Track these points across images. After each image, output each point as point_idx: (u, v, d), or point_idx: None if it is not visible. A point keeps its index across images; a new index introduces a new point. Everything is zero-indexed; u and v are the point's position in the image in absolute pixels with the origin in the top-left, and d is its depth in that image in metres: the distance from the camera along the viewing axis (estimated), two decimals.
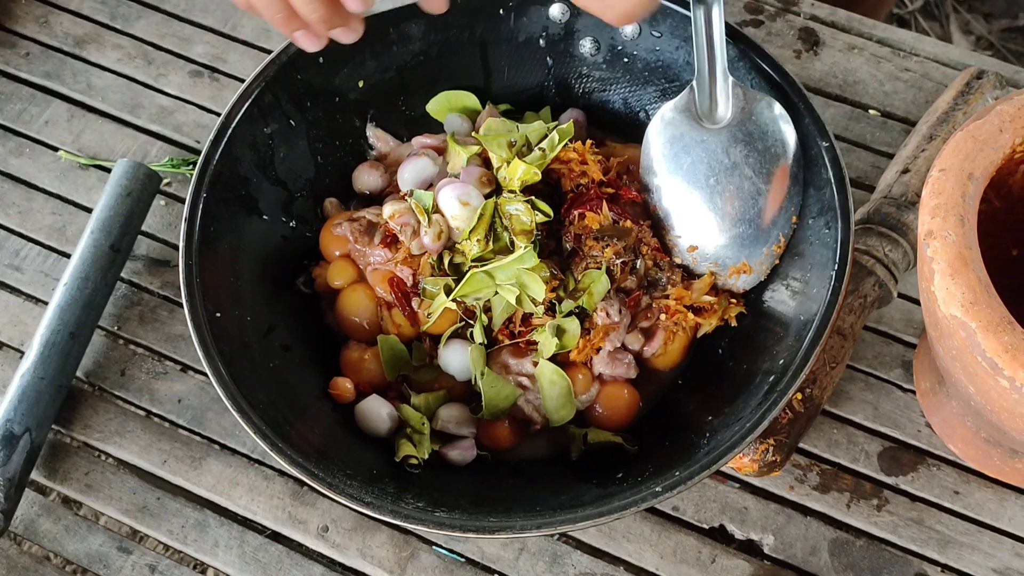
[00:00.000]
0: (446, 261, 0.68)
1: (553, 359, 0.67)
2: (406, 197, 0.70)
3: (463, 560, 0.70)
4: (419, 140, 0.75)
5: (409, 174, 0.71)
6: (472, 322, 0.68)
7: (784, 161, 0.68)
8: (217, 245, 0.67)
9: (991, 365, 0.54)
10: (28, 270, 0.82)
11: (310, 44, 0.59)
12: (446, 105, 0.78)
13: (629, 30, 0.74)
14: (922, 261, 0.58)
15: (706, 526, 0.71)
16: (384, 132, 0.77)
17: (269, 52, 0.76)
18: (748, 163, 0.68)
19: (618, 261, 0.67)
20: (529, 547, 0.70)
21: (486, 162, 0.71)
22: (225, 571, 0.71)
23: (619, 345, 0.68)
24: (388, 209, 0.69)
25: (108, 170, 0.85)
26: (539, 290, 0.66)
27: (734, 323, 0.70)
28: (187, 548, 0.71)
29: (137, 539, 0.73)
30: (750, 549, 0.70)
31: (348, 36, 0.59)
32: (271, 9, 0.56)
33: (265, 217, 0.72)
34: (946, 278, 0.55)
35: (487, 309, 0.68)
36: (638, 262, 0.68)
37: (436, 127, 0.78)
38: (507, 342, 0.68)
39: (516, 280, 0.66)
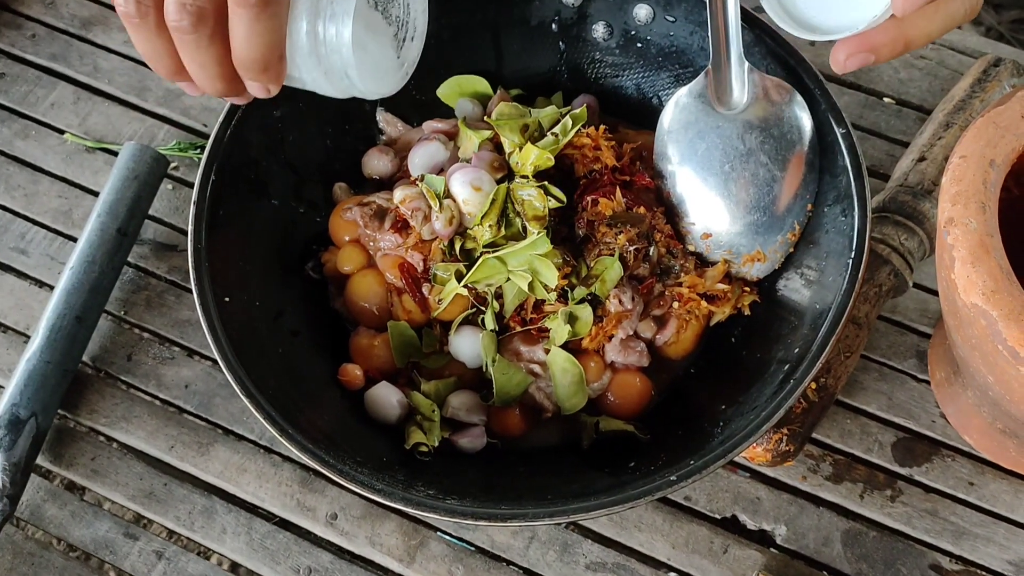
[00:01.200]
0: (457, 247, 0.67)
1: (565, 346, 0.67)
2: (417, 182, 0.69)
3: (472, 549, 0.70)
4: (430, 124, 0.74)
5: (420, 159, 0.71)
6: (483, 308, 0.67)
7: (800, 148, 0.67)
8: (226, 229, 0.66)
9: (1012, 354, 0.53)
10: (34, 253, 0.81)
11: (192, 91, 0.53)
12: (457, 89, 0.77)
13: (643, 14, 0.73)
14: (942, 248, 0.57)
15: (718, 516, 0.70)
16: (394, 116, 0.77)
17: None
18: (763, 150, 0.67)
19: (631, 248, 0.67)
20: (539, 536, 0.70)
21: (498, 147, 0.71)
22: (232, 558, 0.70)
23: (632, 333, 0.68)
24: (399, 194, 0.69)
25: (115, 153, 0.84)
26: (552, 277, 0.65)
27: (748, 312, 0.69)
28: (194, 535, 0.71)
29: (143, 525, 0.72)
30: (762, 539, 0.69)
31: (241, 101, 0.53)
32: (161, 68, 0.50)
33: (274, 201, 0.71)
34: (967, 266, 0.54)
35: (499, 295, 0.67)
36: (651, 249, 0.68)
37: (447, 112, 0.77)
38: (519, 329, 0.67)
39: (528, 266, 0.66)
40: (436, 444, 0.65)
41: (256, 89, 0.50)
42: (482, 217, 0.66)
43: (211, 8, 0.46)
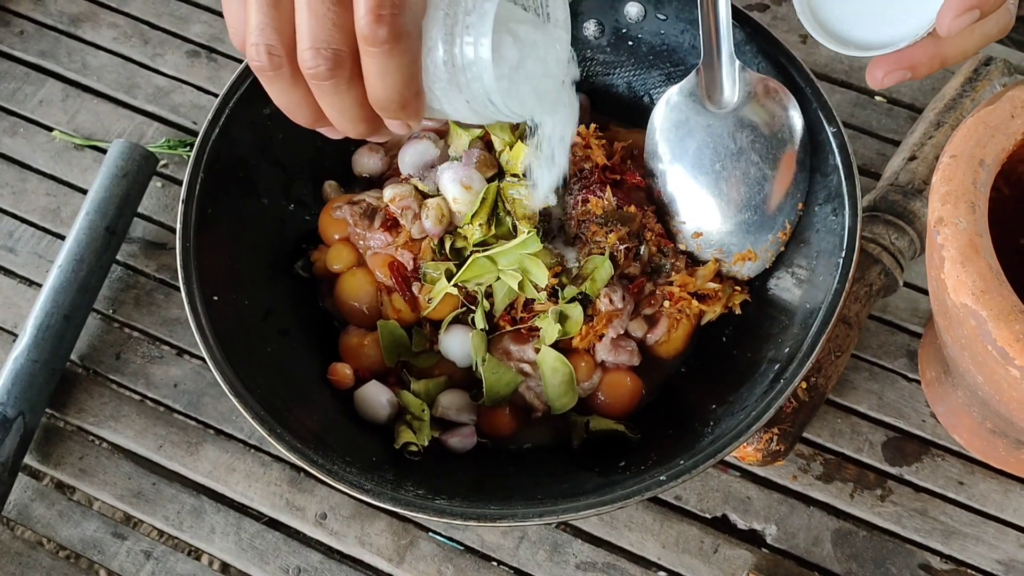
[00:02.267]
0: (447, 245, 0.67)
1: (555, 346, 0.66)
2: (407, 180, 0.69)
3: (462, 548, 0.69)
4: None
5: (410, 157, 0.70)
6: (473, 307, 0.67)
7: (791, 147, 0.67)
8: (215, 227, 0.65)
9: (1001, 354, 0.53)
10: (22, 252, 0.81)
11: (332, 135, 0.52)
12: None
13: (634, 12, 0.73)
14: (931, 248, 0.57)
15: (709, 516, 0.70)
16: None
17: None
18: (754, 148, 0.67)
19: (622, 247, 0.66)
20: (529, 536, 0.69)
21: (488, 145, 0.70)
22: (221, 558, 0.70)
23: (622, 332, 0.67)
24: (389, 192, 0.68)
25: (103, 151, 0.84)
26: (542, 276, 0.65)
27: (738, 311, 0.69)
28: (183, 534, 0.71)
29: (132, 525, 0.72)
30: (753, 539, 0.69)
31: (382, 138, 0.51)
32: (300, 117, 0.48)
33: (264, 200, 0.70)
34: (956, 266, 0.54)
35: (489, 294, 0.67)
36: (642, 248, 0.68)
37: None
38: (509, 328, 0.67)
39: (519, 265, 0.65)
40: (426, 443, 0.65)
41: (396, 127, 0.48)
42: (472, 216, 0.66)
43: (347, 51, 0.43)
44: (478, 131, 0.70)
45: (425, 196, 0.68)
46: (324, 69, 0.43)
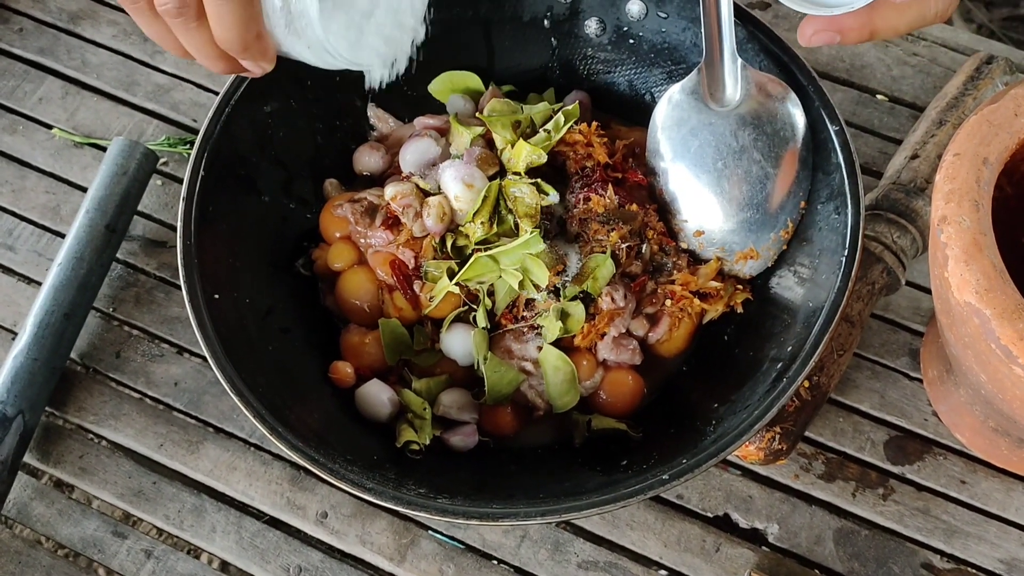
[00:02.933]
0: (449, 244, 0.67)
1: (557, 344, 0.66)
2: (408, 178, 0.69)
3: (463, 547, 0.69)
4: (421, 121, 0.74)
5: (411, 155, 0.70)
6: (475, 306, 0.67)
7: (793, 145, 0.66)
8: (215, 225, 0.65)
9: (1005, 353, 0.53)
10: (21, 250, 0.80)
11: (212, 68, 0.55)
12: (448, 85, 0.76)
13: (636, 10, 0.73)
14: (935, 247, 0.57)
15: (710, 514, 0.70)
16: (385, 112, 0.76)
17: None
18: (756, 147, 0.67)
19: (623, 245, 0.66)
20: (531, 534, 0.69)
21: (490, 144, 0.70)
22: (222, 557, 0.70)
23: (624, 331, 0.67)
24: (390, 190, 0.68)
25: (103, 148, 0.84)
26: (542, 276, 0.65)
27: (740, 309, 0.69)
28: (183, 533, 0.70)
29: (132, 524, 0.72)
30: (755, 538, 0.69)
31: (250, 74, 0.55)
32: (168, 48, 0.52)
33: (264, 198, 0.70)
34: (960, 264, 0.54)
35: (490, 293, 0.67)
36: (644, 246, 0.67)
37: (438, 108, 0.76)
38: (510, 326, 0.67)
39: (520, 264, 0.65)
40: (427, 442, 0.65)
41: (249, 66, 0.51)
42: (474, 214, 0.66)
43: None
44: (480, 129, 0.70)
45: (426, 194, 0.68)
46: (171, 7, 0.48)
